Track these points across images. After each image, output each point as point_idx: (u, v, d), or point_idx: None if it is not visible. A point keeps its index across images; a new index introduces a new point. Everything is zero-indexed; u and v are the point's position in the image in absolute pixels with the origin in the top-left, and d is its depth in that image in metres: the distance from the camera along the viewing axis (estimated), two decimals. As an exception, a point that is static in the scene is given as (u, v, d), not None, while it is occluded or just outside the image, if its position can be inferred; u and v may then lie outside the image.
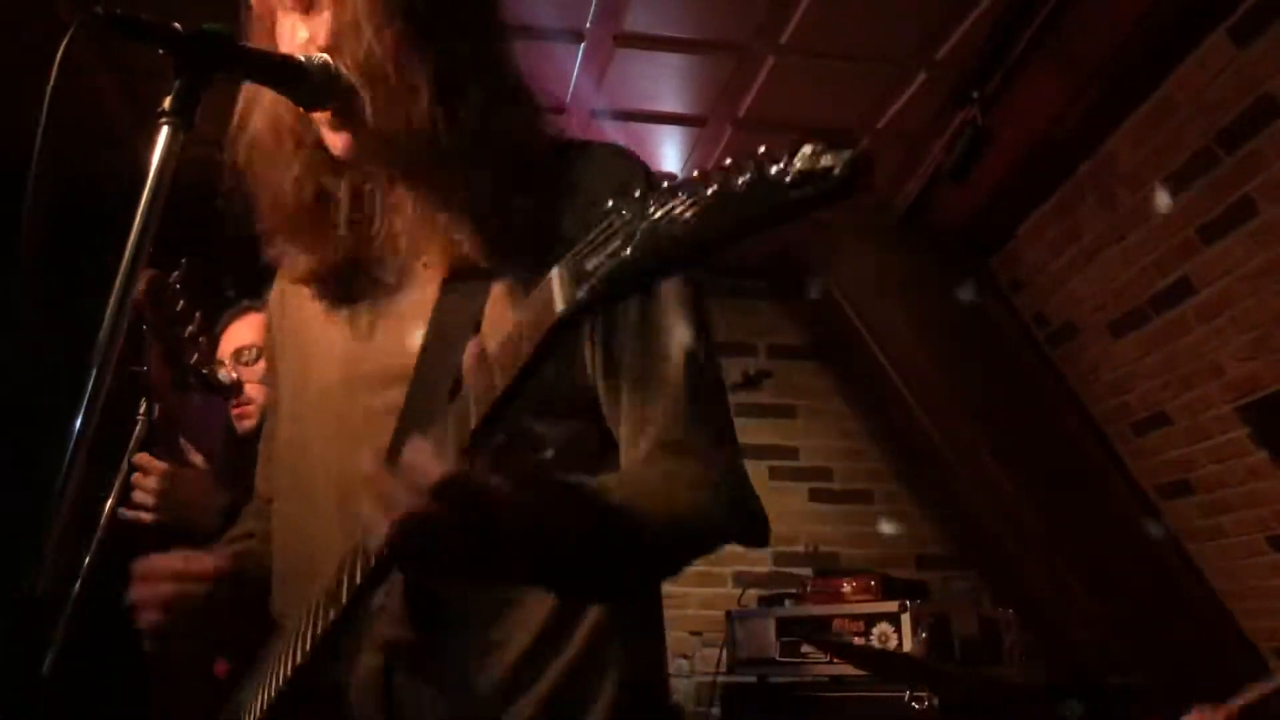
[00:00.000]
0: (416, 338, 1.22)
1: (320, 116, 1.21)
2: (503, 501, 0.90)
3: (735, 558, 4.98)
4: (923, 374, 4.71)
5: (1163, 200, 3.70)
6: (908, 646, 3.78)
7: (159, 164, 0.99)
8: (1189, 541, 4.46)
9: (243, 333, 2.63)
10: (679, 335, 1.22)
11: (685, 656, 4.81)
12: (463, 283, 1.21)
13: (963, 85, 3.74)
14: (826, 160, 0.72)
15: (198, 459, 2.40)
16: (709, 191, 0.76)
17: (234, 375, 2.39)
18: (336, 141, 1.22)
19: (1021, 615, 4.17)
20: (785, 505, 5.12)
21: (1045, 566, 4.64)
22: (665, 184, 0.80)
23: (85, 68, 3.61)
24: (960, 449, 4.70)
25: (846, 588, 4.15)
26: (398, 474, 0.90)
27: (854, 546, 5.13)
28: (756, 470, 5.04)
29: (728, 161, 0.76)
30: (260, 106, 1.27)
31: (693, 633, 4.85)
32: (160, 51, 1.03)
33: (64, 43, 0.96)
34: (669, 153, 4.41)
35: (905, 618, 3.82)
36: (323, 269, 1.31)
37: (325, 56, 1.16)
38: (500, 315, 1.17)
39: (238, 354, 2.59)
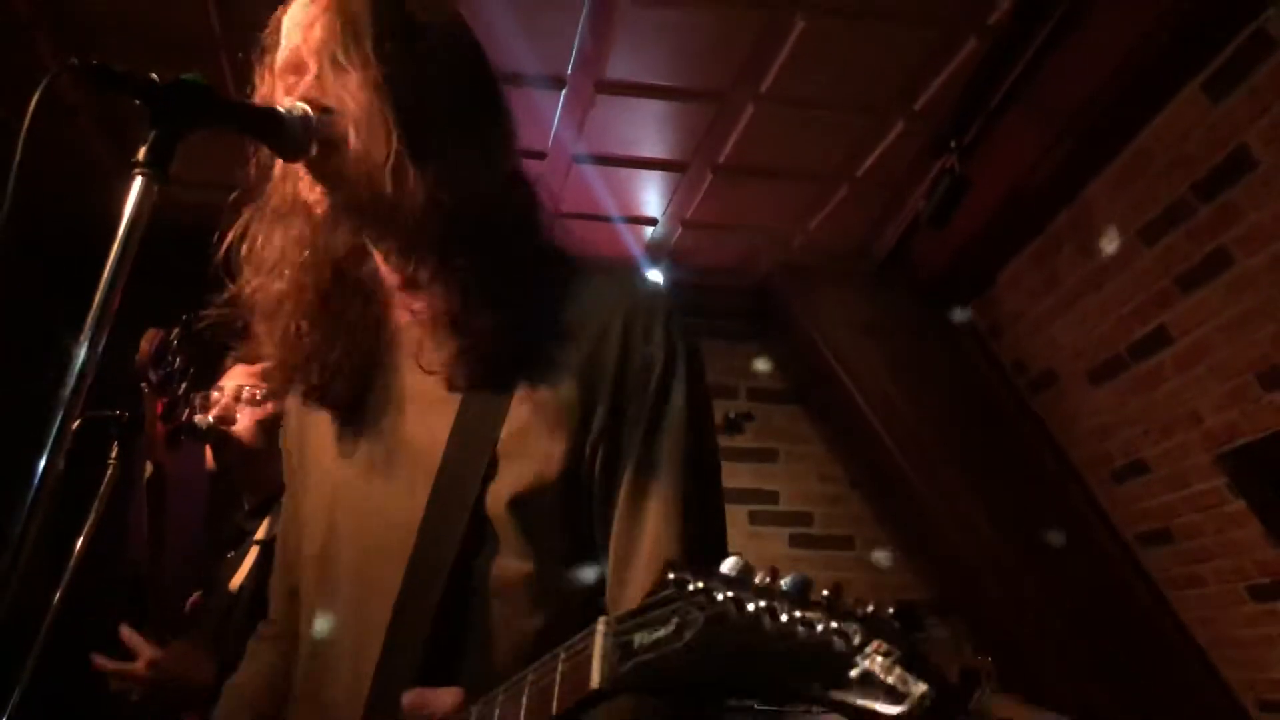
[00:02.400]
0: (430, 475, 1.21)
1: (299, 169, 1.20)
2: None
3: (715, 603, 4.95)
4: (903, 419, 4.70)
5: (1110, 243, 3.74)
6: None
7: (131, 215, 0.98)
8: (1169, 590, 4.45)
9: (244, 373, 2.61)
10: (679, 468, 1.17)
11: (664, 704, 4.76)
12: (476, 394, 1.20)
13: (941, 134, 3.77)
14: (901, 688, 0.65)
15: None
16: (781, 622, 0.70)
17: (209, 420, 2.40)
18: (313, 194, 1.21)
19: (1001, 662, 4.14)
20: (766, 550, 5.10)
21: (1025, 613, 4.62)
22: (735, 575, 0.76)
23: (72, 110, 3.61)
24: (940, 495, 4.69)
25: (826, 635, 4.11)
26: None
27: (834, 592, 5.10)
28: (737, 514, 5.08)
29: (824, 594, 0.72)
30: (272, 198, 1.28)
31: (672, 680, 4.80)
32: (137, 102, 1.02)
33: (38, 91, 0.97)
34: (650, 198, 4.43)
35: (884, 666, 3.79)
36: (334, 382, 1.28)
37: (305, 107, 1.15)
38: (518, 438, 1.17)
39: (238, 391, 2.56)
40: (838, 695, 0.66)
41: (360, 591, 1.23)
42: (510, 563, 1.15)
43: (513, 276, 1.19)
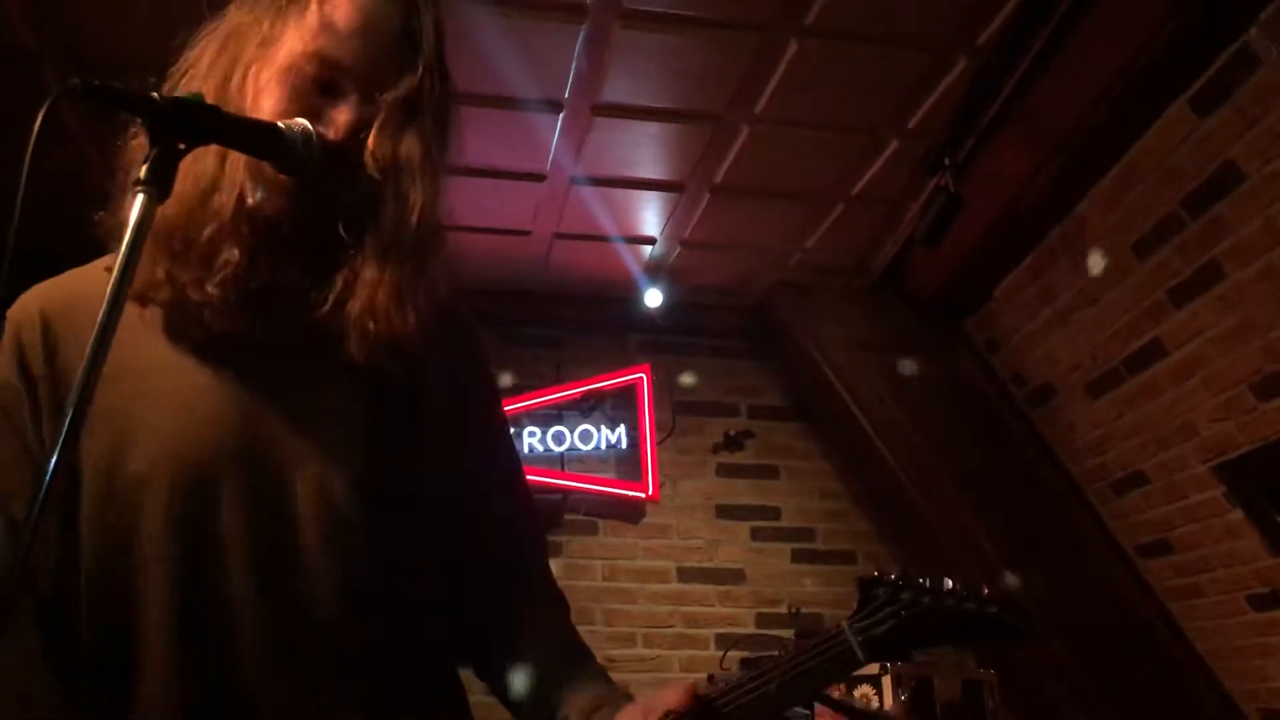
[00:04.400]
0: (358, 424, 1.24)
1: (267, 173, 1.18)
2: None
3: (717, 619, 4.98)
4: (902, 434, 4.74)
5: (1096, 262, 3.78)
6: (889, 708, 3.77)
7: (132, 233, 0.98)
8: (1170, 601, 4.47)
9: None
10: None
11: None
12: (392, 376, 1.23)
13: (934, 153, 3.81)
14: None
15: None
16: (961, 606, 1.21)
17: None
18: (273, 205, 1.19)
19: (1003, 676, 4.16)
20: (768, 566, 5.13)
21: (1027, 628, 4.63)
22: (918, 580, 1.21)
23: (77, 137, 3.66)
24: (941, 509, 4.71)
25: (828, 650, 4.14)
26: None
27: (837, 607, 5.12)
28: (739, 530, 5.12)
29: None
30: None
31: (675, 696, 4.82)
32: (138, 120, 1.03)
33: (43, 110, 0.96)
34: (648, 218, 4.48)
35: (886, 679, 3.81)
36: (245, 314, 1.19)
37: (305, 123, 1.15)
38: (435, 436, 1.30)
39: None
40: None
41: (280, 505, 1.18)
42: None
43: (434, 281, 1.27)
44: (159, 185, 1.01)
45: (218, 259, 1.18)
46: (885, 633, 1.17)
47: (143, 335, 1.20)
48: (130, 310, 1.08)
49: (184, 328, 1.21)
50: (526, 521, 1.50)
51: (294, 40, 1.22)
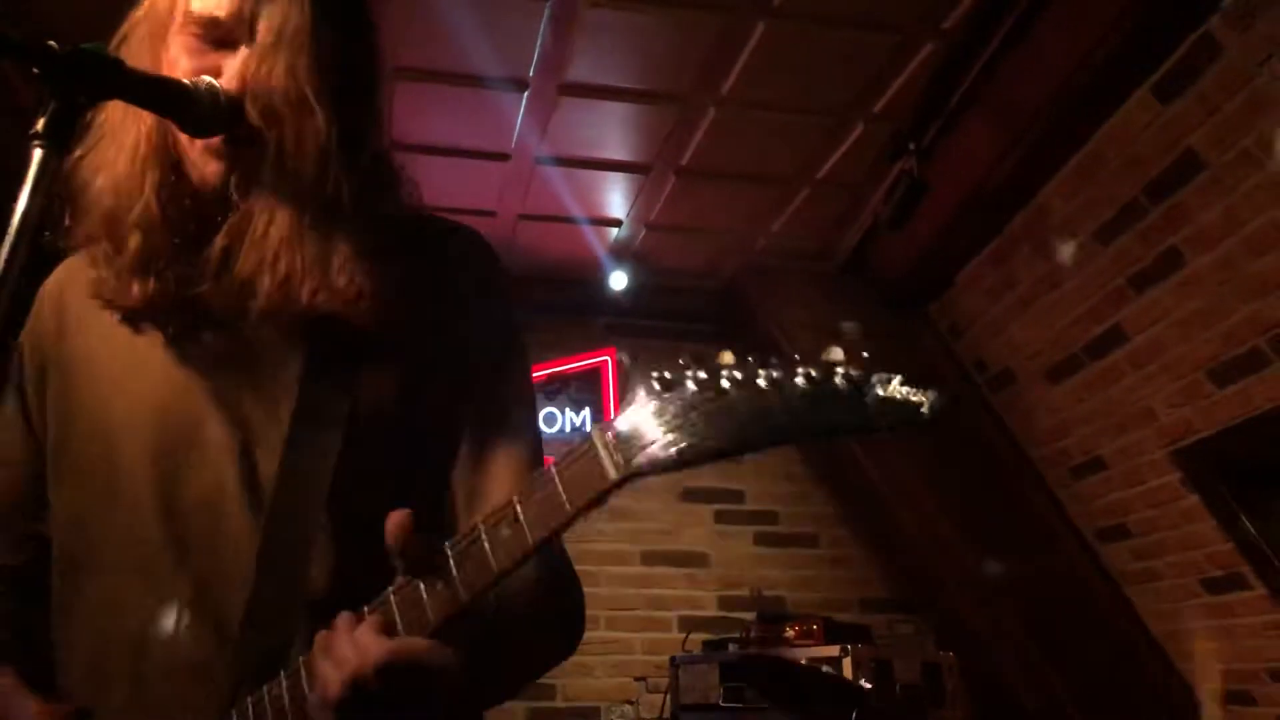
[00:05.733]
0: (283, 411, 1.17)
1: (198, 143, 1.15)
2: (440, 679, 0.96)
3: (680, 601, 4.99)
4: (865, 419, 4.75)
5: (1067, 251, 3.82)
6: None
7: (30, 188, 0.93)
8: (1127, 584, 4.53)
9: None
10: (530, 416, 1.29)
11: (630, 702, 4.79)
12: (329, 347, 1.17)
13: (899, 137, 3.82)
14: (915, 398, 0.79)
15: None
16: (796, 384, 0.78)
17: None
18: (208, 169, 1.16)
19: (963, 658, 4.20)
20: (731, 549, 5.14)
21: (986, 609, 4.68)
22: (732, 362, 0.81)
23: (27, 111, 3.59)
24: (902, 493, 4.75)
25: (790, 632, 4.16)
26: (356, 642, 0.95)
27: (799, 589, 5.15)
28: (704, 513, 5.12)
29: (796, 357, 0.80)
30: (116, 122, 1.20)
31: (637, 678, 4.83)
32: (34, 70, 0.96)
33: None
34: (614, 199, 4.45)
35: (847, 661, 3.83)
36: (161, 300, 1.18)
37: (211, 80, 1.11)
38: (372, 396, 1.19)
39: None
40: (881, 420, 0.78)
41: (193, 495, 1.16)
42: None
43: (382, 236, 1.19)
44: (57, 140, 0.95)
45: (129, 241, 1.17)
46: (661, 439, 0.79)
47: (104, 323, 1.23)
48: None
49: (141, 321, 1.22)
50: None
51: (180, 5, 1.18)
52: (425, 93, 3.66)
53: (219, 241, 1.15)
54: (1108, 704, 4.39)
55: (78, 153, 1.17)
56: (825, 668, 3.86)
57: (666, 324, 5.29)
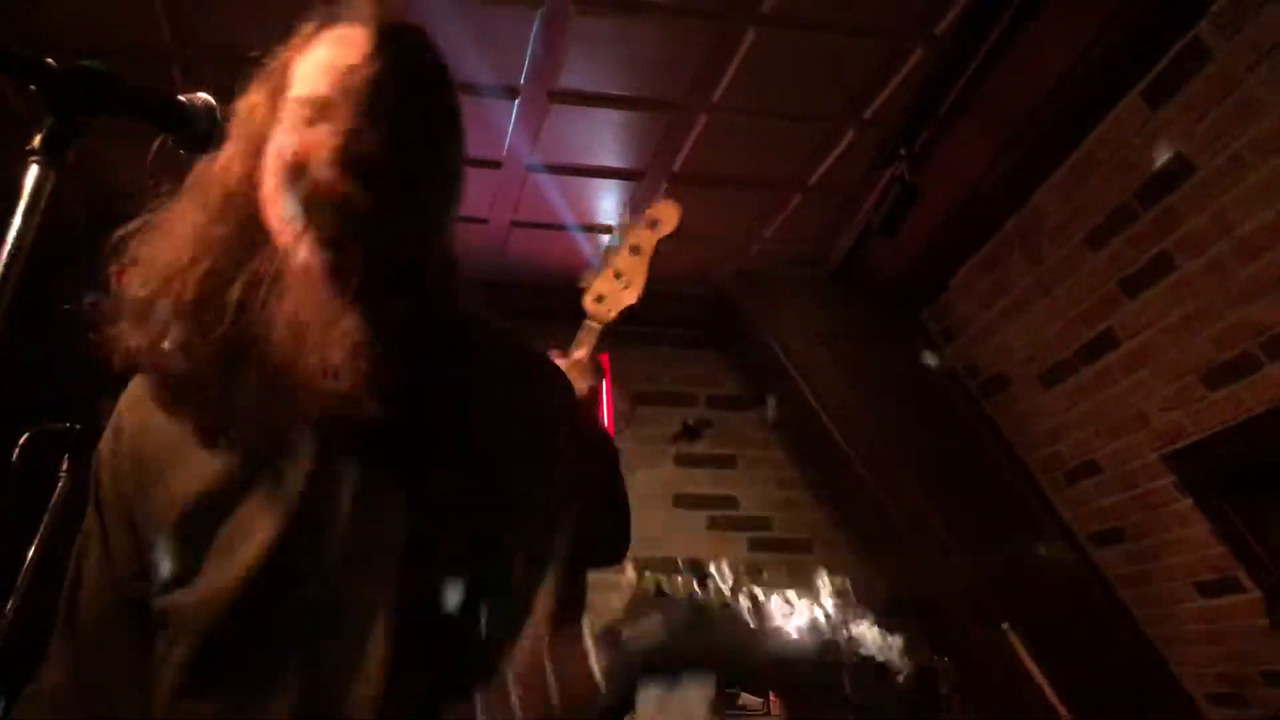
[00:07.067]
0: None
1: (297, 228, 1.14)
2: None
3: (675, 609, 4.97)
4: (859, 424, 4.75)
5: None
6: (845, 697, 3.78)
7: (26, 205, 0.92)
8: (1121, 588, 4.53)
9: None
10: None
11: (626, 709, 4.77)
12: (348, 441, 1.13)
13: (891, 143, 3.82)
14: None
15: None
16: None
17: None
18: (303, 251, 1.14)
19: (957, 663, 4.20)
20: (725, 554, 5.11)
21: (981, 615, 4.67)
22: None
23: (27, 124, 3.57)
24: (896, 498, 4.74)
25: (785, 639, 4.15)
26: None
27: (794, 596, 5.13)
28: (697, 519, 5.11)
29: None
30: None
31: (633, 685, 4.82)
32: (31, 87, 0.96)
33: None
34: (606, 205, 4.45)
35: (842, 668, 3.82)
36: (205, 371, 1.14)
37: (208, 97, 1.09)
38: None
39: None
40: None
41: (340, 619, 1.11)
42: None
43: (439, 337, 1.20)
44: (53, 156, 0.95)
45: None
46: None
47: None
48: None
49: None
50: None
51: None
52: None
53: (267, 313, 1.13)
54: (1103, 705, 4.38)
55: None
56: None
57: (660, 330, 5.29)
